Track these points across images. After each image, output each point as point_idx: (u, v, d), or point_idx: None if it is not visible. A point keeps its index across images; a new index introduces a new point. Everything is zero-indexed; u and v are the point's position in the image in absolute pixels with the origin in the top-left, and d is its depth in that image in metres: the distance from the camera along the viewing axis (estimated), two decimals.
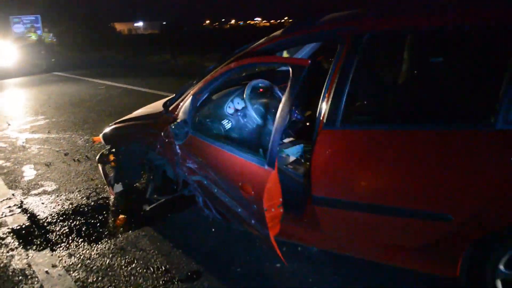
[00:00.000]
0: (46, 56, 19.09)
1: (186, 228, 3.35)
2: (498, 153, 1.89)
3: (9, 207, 3.89)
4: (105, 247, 3.12)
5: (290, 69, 2.18)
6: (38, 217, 3.66)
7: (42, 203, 3.94)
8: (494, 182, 1.90)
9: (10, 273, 2.86)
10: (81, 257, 3.02)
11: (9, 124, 7.24)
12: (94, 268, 2.87)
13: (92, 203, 3.89)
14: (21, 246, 3.19)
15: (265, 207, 2.29)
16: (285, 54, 3.34)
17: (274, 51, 2.62)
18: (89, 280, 2.74)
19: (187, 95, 2.97)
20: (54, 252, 3.09)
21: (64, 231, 3.38)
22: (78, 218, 3.61)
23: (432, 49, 2.53)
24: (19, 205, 3.92)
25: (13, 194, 4.18)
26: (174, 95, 3.27)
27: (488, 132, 1.90)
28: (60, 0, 30.34)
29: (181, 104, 2.98)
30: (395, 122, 2.25)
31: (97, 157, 3.82)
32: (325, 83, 2.29)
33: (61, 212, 3.72)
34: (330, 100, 2.26)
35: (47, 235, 3.33)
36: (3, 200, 4.05)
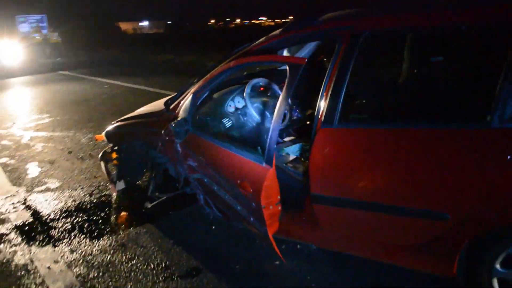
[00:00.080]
0: (51, 55, 19.24)
1: (187, 226, 3.38)
2: (494, 152, 1.89)
3: (13, 203, 3.94)
4: (106, 244, 3.16)
5: (287, 68, 2.20)
6: (41, 213, 3.71)
7: (45, 200, 3.98)
8: (490, 181, 1.90)
9: (13, 268, 2.90)
10: (83, 253, 3.05)
11: (14, 123, 7.31)
12: (95, 264, 2.91)
13: (95, 200, 3.93)
14: (24, 242, 3.23)
15: (263, 204, 2.32)
16: (285, 53, 3.36)
17: (273, 50, 2.64)
18: (90, 276, 2.77)
19: (187, 94, 2.99)
20: (56, 248, 3.13)
21: (67, 228, 3.43)
22: (81, 215, 3.65)
23: (429, 48, 2.54)
24: (23, 201, 3.97)
25: (17, 191, 4.23)
26: (175, 93, 3.30)
27: (484, 130, 1.91)
28: None
29: (182, 102, 3.01)
30: (392, 121, 2.26)
31: (100, 155, 3.85)
32: (323, 82, 2.31)
33: (64, 209, 3.77)
34: (328, 98, 2.28)
35: (50, 231, 3.37)
36: (7, 196, 4.10)
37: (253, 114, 3.07)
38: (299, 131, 3.45)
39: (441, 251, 2.16)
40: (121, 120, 3.72)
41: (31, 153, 5.50)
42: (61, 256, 3.02)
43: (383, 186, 2.21)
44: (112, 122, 3.77)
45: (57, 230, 3.40)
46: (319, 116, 2.31)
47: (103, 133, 3.80)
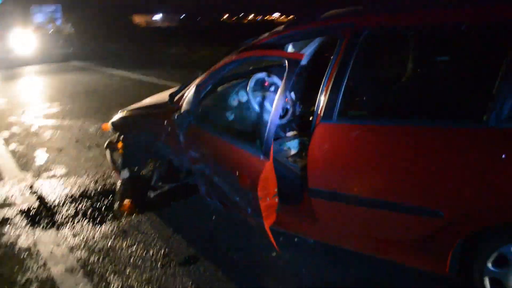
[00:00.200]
0: (64, 45, 19.41)
1: (187, 215, 3.44)
2: (489, 151, 1.91)
3: (20, 188, 4.03)
4: (108, 230, 3.23)
5: (286, 63, 2.23)
6: (46, 199, 3.80)
7: (51, 186, 4.07)
8: (485, 180, 1.92)
9: (16, 251, 2.98)
10: (85, 238, 3.13)
11: (24, 110, 7.43)
12: (96, 248, 2.98)
13: (99, 188, 4.01)
14: (29, 226, 3.32)
15: (260, 196, 2.36)
16: (290, 48, 3.39)
17: (276, 45, 2.67)
18: (90, 260, 2.85)
19: (191, 86, 3.04)
20: (59, 232, 3.21)
21: (70, 213, 3.51)
22: (85, 201, 3.73)
23: (428, 47, 2.56)
24: (30, 187, 4.06)
25: (24, 177, 4.32)
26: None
27: (481, 130, 1.92)
28: None
29: (185, 94, 3.06)
30: (389, 118, 2.28)
31: (105, 144, 3.92)
32: (324, 77, 2.34)
33: (68, 195, 3.86)
34: (328, 93, 2.31)
35: (54, 216, 3.46)
36: (15, 181, 4.20)
37: (255, 108, 3.11)
38: (302, 126, 3.49)
39: (435, 248, 2.18)
40: (126, 111, 3.77)
41: (39, 141, 5.60)
42: (64, 240, 3.10)
43: (379, 182, 2.24)
44: (118, 112, 3.83)
45: (61, 215, 3.48)
46: (319, 111, 2.34)
47: (109, 123, 3.87)
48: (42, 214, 3.50)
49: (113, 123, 3.82)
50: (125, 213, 3.48)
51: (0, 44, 16.57)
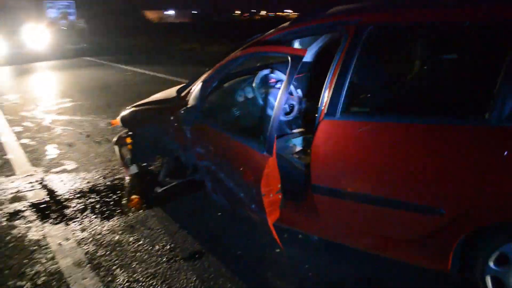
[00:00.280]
0: (76, 41, 19.59)
1: (193, 211, 3.47)
2: (491, 149, 1.90)
3: (31, 182, 4.10)
4: (115, 224, 3.28)
5: (289, 58, 2.24)
6: (56, 193, 3.86)
7: (61, 181, 4.14)
8: (487, 178, 1.91)
9: (26, 243, 3.04)
10: (93, 232, 3.18)
11: (37, 105, 7.54)
12: (103, 243, 3.03)
13: (108, 183, 4.06)
14: (38, 219, 3.38)
15: (263, 192, 2.37)
16: (297, 44, 3.38)
17: (282, 41, 2.68)
18: (98, 254, 2.89)
19: (198, 82, 3.06)
20: (68, 226, 3.27)
21: (79, 208, 3.56)
22: (93, 196, 3.79)
23: (432, 45, 2.54)
24: (40, 181, 4.13)
25: (35, 171, 4.40)
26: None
27: (482, 128, 1.92)
28: None
29: (192, 90, 3.08)
30: (392, 115, 2.27)
31: (114, 139, 3.97)
32: (328, 74, 2.34)
33: (78, 190, 3.91)
34: (331, 90, 2.31)
35: (63, 210, 3.52)
36: (26, 176, 4.27)
37: (261, 104, 3.12)
38: (308, 123, 3.49)
39: (436, 246, 2.18)
40: (135, 106, 3.81)
41: (51, 136, 5.69)
42: (72, 234, 3.15)
43: (381, 180, 2.23)
44: (127, 108, 3.87)
45: (70, 209, 3.54)
46: (322, 108, 2.34)
47: (118, 118, 3.91)
48: (51, 208, 3.56)
49: (122, 118, 3.86)
50: (132, 208, 3.52)
51: (13, 39, 16.74)
